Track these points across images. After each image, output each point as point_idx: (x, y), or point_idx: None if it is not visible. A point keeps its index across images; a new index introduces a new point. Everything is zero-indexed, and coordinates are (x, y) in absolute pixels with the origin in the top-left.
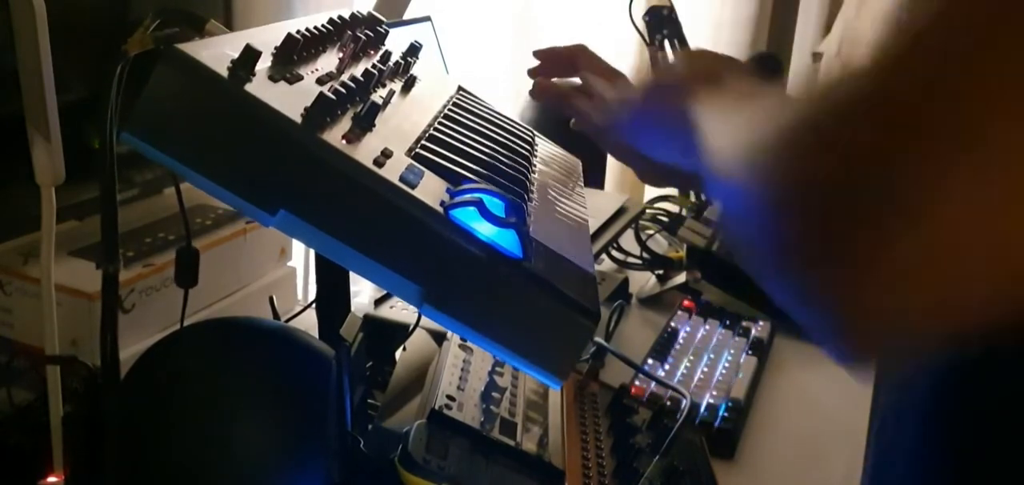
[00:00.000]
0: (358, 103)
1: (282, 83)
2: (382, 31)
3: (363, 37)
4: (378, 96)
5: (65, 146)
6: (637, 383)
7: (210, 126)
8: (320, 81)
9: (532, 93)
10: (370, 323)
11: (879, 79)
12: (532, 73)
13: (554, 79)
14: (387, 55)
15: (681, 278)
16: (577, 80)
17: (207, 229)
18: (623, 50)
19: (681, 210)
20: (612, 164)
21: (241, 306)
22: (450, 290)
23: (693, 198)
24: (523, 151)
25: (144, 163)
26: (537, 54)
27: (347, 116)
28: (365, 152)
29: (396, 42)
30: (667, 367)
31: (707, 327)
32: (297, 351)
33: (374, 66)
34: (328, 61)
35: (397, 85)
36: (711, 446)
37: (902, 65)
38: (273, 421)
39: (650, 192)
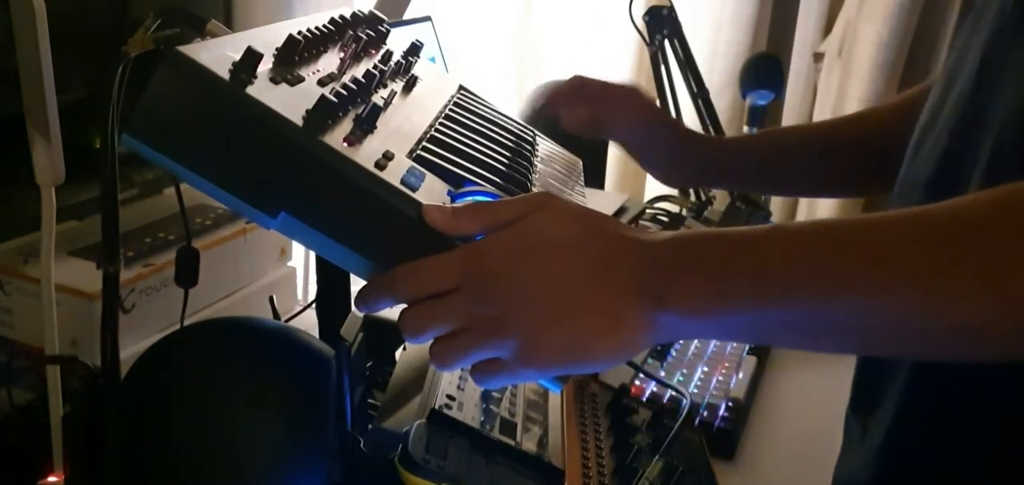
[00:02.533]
0: (359, 104)
1: (283, 85)
2: (383, 30)
3: (364, 37)
4: (379, 97)
5: (65, 146)
6: (637, 383)
7: (211, 129)
8: (321, 82)
9: (565, 125)
10: (370, 323)
11: None
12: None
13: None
14: (388, 55)
15: None
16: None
17: (207, 229)
18: (623, 50)
19: (681, 210)
20: (612, 164)
21: (241, 306)
22: None
23: (693, 198)
24: (523, 151)
25: (144, 163)
26: (534, 114)
27: (349, 118)
28: (366, 154)
29: (397, 41)
30: (667, 367)
31: None
32: (297, 351)
33: (375, 66)
34: (329, 61)
35: (398, 85)
36: (711, 446)
37: None
38: (273, 421)
39: (650, 192)
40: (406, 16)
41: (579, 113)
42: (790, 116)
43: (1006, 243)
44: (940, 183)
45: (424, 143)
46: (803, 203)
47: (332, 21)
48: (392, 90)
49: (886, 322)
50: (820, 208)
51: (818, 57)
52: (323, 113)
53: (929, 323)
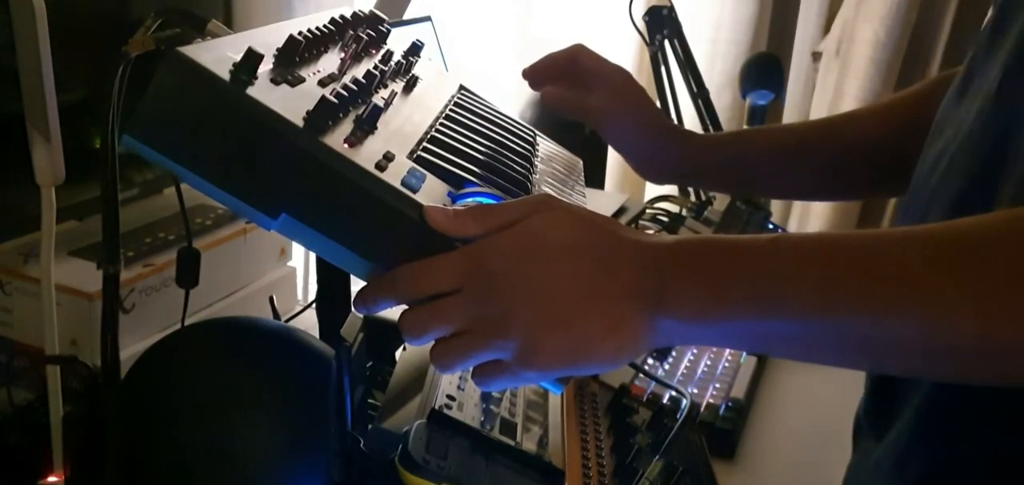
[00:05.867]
0: (360, 105)
1: (284, 85)
2: (384, 30)
3: (365, 37)
4: (380, 97)
5: (65, 146)
6: (637, 383)
7: (212, 130)
8: (322, 83)
9: (544, 102)
10: (370, 323)
11: None
12: (533, 83)
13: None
14: (389, 55)
15: None
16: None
17: (207, 229)
18: (623, 50)
19: (681, 210)
20: (612, 164)
21: (241, 306)
22: None
23: (693, 198)
24: (524, 151)
25: (144, 163)
26: (534, 70)
27: (349, 119)
28: (367, 155)
29: (397, 41)
30: (667, 367)
31: None
32: (297, 351)
33: (376, 67)
34: (330, 62)
35: (399, 85)
36: (711, 446)
37: None
38: (273, 421)
39: (650, 192)
40: (406, 16)
41: (554, 94)
42: (790, 116)
43: (1007, 267)
44: (965, 202)
45: (424, 144)
46: (799, 203)
47: (332, 21)
48: (392, 90)
49: (884, 339)
50: (815, 207)
51: (816, 56)
52: (323, 114)
53: (927, 342)
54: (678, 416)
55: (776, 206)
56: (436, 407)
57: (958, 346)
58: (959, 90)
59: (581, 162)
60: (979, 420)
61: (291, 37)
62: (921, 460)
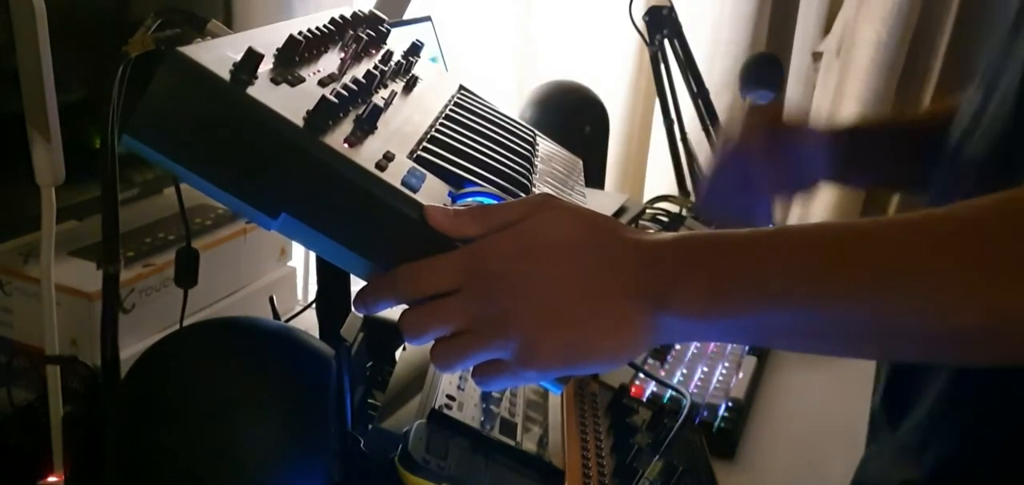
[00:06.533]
0: (360, 105)
1: (284, 85)
2: (384, 30)
3: (365, 37)
4: (380, 97)
5: (65, 146)
6: (637, 383)
7: (212, 130)
8: (322, 83)
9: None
10: (370, 323)
11: None
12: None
13: None
14: (389, 55)
15: None
16: None
17: (207, 229)
18: (623, 50)
19: (681, 210)
20: (612, 164)
21: (241, 306)
22: None
23: (693, 198)
24: (524, 151)
25: (144, 163)
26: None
27: (349, 118)
28: (367, 155)
29: (397, 41)
30: (667, 367)
31: None
32: (297, 351)
33: (376, 67)
34: (330, 61)
35: (399, 85)
36: (711, 446)
37: None
38: (273, 421)
39: (650, 192)
40: (406, 16)
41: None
42: None
43: (1008, 249)
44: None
45: (425, 143)
46: (798, 205)
47: (332, 21)
48: (392, 90)
49: (887, 325)
50: (816, 208)
51: (817, 56)
52: (324, 114)
53: (930, 327)
54: (678, 416)
55: None
56: (436, 407)
57: (962, 329)
58: (979, 87)
59: (581, 162)
60: (1005, 398)
61: (291, 37)
62: (945, 442)
